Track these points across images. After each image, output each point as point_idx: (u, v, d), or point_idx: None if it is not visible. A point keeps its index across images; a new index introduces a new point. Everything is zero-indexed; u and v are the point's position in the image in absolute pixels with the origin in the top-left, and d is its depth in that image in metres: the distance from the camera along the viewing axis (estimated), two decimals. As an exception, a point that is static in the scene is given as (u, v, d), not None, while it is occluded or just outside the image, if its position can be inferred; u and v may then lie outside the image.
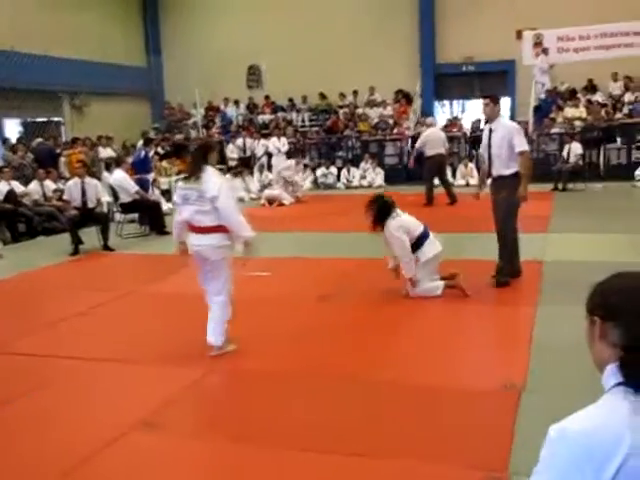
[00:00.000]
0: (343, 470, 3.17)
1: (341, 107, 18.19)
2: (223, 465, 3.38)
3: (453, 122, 17.03)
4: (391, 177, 15.59)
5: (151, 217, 10.79)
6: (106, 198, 10.30)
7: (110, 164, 12.78)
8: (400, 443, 3.38)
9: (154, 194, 11.80)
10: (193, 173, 4.67)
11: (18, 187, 11.30)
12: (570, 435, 1.24)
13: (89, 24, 17.25)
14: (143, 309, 6.41)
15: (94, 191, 9.58)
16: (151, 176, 12.17)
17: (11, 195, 10.90)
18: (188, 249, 4.81)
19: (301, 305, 6.05)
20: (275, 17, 18.54)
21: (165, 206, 11.39)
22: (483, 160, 6.64)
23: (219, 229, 4.60)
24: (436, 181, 12.32)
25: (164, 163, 14.46)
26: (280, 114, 18.65)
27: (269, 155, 15.58)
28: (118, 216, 10.91)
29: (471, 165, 15.00)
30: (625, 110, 15.12)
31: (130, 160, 12.21)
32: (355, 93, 18.29)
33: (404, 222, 5.95)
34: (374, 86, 17.96)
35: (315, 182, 16.18)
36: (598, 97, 15.86)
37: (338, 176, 16.16)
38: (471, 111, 18.40)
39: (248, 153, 16.73)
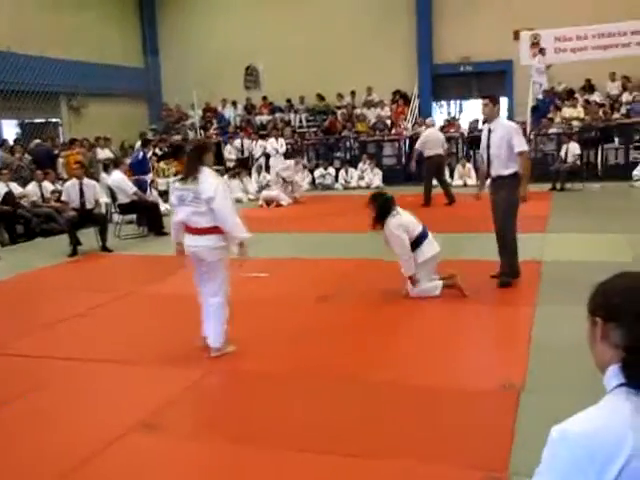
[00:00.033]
0: (342, 470, 3.17)
1: (339, 108, 18.15)
2: (222, 466, 3.37)
3: (451, 122, 17.02)
4: (389, 178, 15.54)
5: (149, 218, 10.77)
6: (104, 199, 10.30)
7: (108, 165, 12.77)
8: (399, 443, 3.38)
9: (152, 195, 11.80)
10: (189, 174, 4.64)
11: (16, 188, 11.29)
12: (571, 437, 1.23)
13: (86, 25, 17.19)
14: (142, 310, 6.40)
15: (92, 192, 9.57)
16: (149, 177, 12.18)
17: (9, 196, 10.88)
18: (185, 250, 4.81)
19: (300, 306, 6.05)
20: (273, 18, 18.53)
21: (163, 207, 11.38)
22: (482, 160, 6.65)
23: (215, 230, 4.58)
24: (434, 181, 12.33)
25: (162, 164, 14.43)
26: (278, 115, 18.63)
27: (267, 156, 15.60)
28: (116, 217, 10.89)
29: (469, 165, 15.00)
30: (623, 110, 15.11)
31: (128, 161, 12.20)
32: (353, 94, 18.26)
33: (404, 221, 5.95)
34: (372, 87, 17.95)
35: (313, 183, 16.16)
36: (596, 97, 15.86)
37: (336, 177, 16.12)
38: (468, 111, 18.42)
39: (246, 154, 16.71)
